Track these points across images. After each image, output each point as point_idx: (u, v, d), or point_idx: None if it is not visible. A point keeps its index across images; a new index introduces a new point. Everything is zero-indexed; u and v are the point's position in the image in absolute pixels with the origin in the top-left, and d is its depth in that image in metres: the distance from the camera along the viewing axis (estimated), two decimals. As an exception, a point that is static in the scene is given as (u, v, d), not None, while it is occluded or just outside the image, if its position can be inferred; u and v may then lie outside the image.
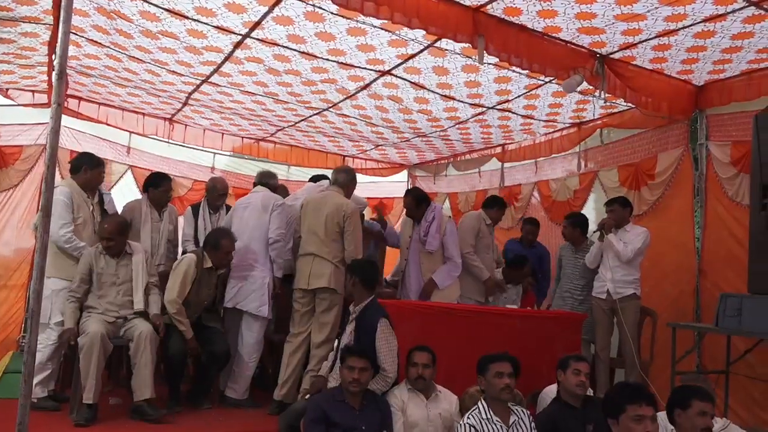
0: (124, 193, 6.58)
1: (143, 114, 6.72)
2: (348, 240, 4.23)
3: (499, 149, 7.21)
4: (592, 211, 6.17)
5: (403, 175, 9.08)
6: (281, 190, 5.60)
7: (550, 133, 6.36)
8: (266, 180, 5.03)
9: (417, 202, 4.81)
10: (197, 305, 4.31)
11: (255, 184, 5.03)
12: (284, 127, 6.87)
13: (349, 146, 7.82)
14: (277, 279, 4.65)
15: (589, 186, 6.22)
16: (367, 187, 8.68)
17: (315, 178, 5.53)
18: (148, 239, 4.63)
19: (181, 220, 5.29)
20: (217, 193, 5.18)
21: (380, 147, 7.74)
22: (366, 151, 8.07)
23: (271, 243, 4.63)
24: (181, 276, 4.19)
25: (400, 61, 4.50)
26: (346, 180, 4.53)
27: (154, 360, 3.87)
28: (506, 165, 7.29)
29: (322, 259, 4.26)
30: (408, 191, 5.01)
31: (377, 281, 4.00)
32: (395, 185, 8.92)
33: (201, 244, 4.65)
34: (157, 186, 4.81)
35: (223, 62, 4.75)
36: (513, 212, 7.15)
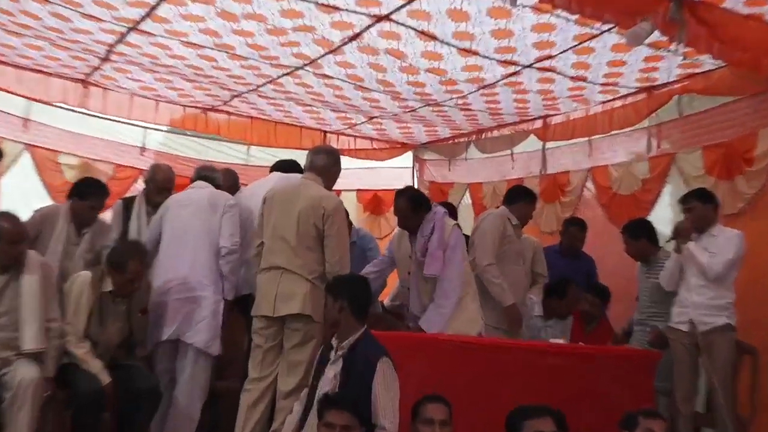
0: (20, 183, 6.57)
1: (47, 73, 6.73)
2: (330, 248, 4.27)
3: (538, 123, 7.19)
4: (668, 208, 6.19)
5: (406, 158, 9.08)
6: (230, 176, 5.61)
7: (609, 101, 6.37)
8: (208, 174, 5.12)
9: (413, 206, 4.82)
10: (105, 346, 4.32)
11: (193, 179, 5.14)
12: (242, 93, 6.87)
13: (331, 119, 7.84)
14: (229, 303, 4.72)
15: (663, 174, 6.26)
16: (356, 175, 8.72)
17: (283, 166, 5.51)
18: (57, 264, 4.63)
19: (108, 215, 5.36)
20: (158, 185, 5.24)
21: (375, 120, 7.75)
22: (355, 125, 8.07)
23: (224, 254, 4.69)
24: (73, 304, 4.22)
25: (402, 2, 4.51)
26: (326, 164, 4.55)
27: (34, 420, 3.75)
28: (549, 145, 7.30)
29: (293, 274, 4.29)
30: (400, 192, 4.98)
31: (370, 305, 4.02)
32: (396, 173, 8.94)
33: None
34: (82, 196, 4.84)
35: (158, 2, 4.76)
36: (558, 210, 7.18)
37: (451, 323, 4.68)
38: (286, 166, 5.46)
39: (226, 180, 5.44)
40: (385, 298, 5.80)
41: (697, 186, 5.40)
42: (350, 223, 5.38)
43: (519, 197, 5.44)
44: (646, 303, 5.24)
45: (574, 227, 6.20)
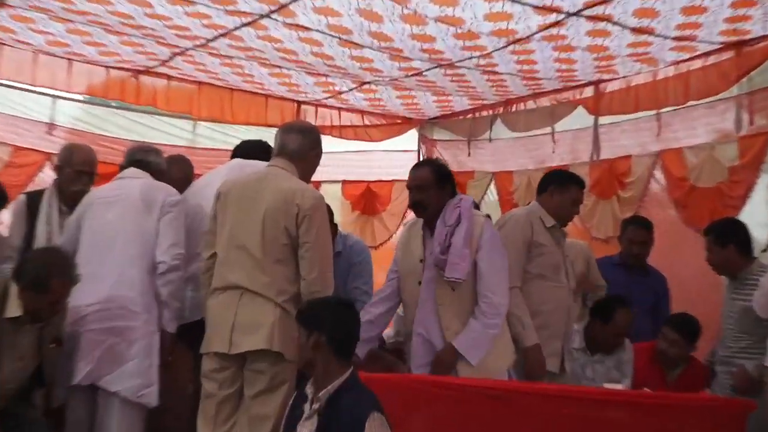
0: None
1: None
2: (307, 260, 4.31)
3: (588, 91, 7.25)
4: (765, 206, 6.23)
5: (409, 138, 9.21)
6: (180, 165, 5.57)
7: (682, 61, 6.42)
8: (145, 158, 5.12)
9: (439, 178, 4.83)
10: None
11: (123, 166, 5.13)
12: (187, 49, 6.88)
13: (308, 85, 7.86)
14: (167, 335, 4.73)
15: (758, 159, 6.26)
16: (341, 161, 8.81)
17: (247, 150, 5.47)
18: None
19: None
20: (75, 170, 5.25)
21: (367, 86, 7.77)
22: (341, 93, 8.11)
23: (163, 271, 4.72)
24: None
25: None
26: (301, 147, 4.58)
27: None
28: (603, 120, 7.36)
29: (257, 296, 4.31)
30: (422, 163, 5.04)
31: (357, 339, 4.00)
32: (395, 158, 9.02)
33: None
34: None
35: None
36: (615, 209, 7.22)
37: (465, 366, 4.66)
38: (250, 150, 5.42)
39: (177, 171, 5.41)
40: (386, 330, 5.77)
41: None
42: (335, 227, 5.38)
43: (552, 183, 5.32)
44: (733, 334, 5.24)
45: (636, 229, 6.22)
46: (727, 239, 5.26)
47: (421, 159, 9.10)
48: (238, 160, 5.38)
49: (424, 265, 4.82)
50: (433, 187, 4.80)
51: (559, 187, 5.28)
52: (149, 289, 4.69)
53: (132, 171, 5.03)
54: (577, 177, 5.49)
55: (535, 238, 5.15)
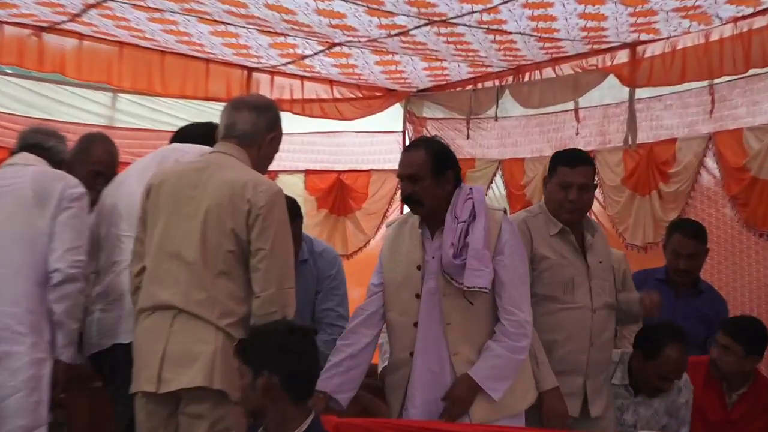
0: None
1: None
2: (262, 272, 4.30)
3: (622, 56, 7.26)
4: None
5: (392, 115, 9.23)
6: (104, 145, 5.58)
7: (744, 17, 6.44)
8: (41, 141, 5.11)
9: (438, 163, 4.73)
10: None
11: (15, 151, 5.13)
12: (103, 0, 6.86)
13: (262, 47, 7.89)
14: (61, 366, 4.70)
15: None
16: (306, 144, 8.95)
17: (190, 135, 5.44)
18: None
19: None
20: None
21: (338, 49, 7.79)
22: (304, 58, 8.14)
23: (56, 282, 4.71)
24: None
25: None
26: (254, 127, 4.57)
27: None
28: (641, 94, 7.35)
29: (194, 318, 4.29)
30: (416, 143, 4.95)
31: (317, 379, 4.04)
32: (374, 141, 9.14)
33: None
34: None
35: None
36: (657, 207, 7.28)
37: (482, 404, 4.64)
38: (197, 136, 5.35)
39: (101, 151, 5.46)
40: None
41: None
42: (297, 229, 5.34)
43: (559, 162, 5.27)
44: None
45: (683, 239, 6.08)
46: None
47: (409, 140, 9.15)
48: (169, 146, 5.39)
49: (424, 273, 4.76)
50: (431, 175, 4.67)
51: (549, 173, 5.30)
52: (39, 306, 4.65)
53: (23, 156, 4.99)
54: (564, 154, 5.43)
55: (536, 249, 5.17)
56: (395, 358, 4.79)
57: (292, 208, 5.15)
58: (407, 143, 9.19)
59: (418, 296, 4.70)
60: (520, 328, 4.64)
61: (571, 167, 5.16)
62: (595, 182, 5.27)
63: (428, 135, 8.82)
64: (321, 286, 5.65)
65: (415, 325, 4.70)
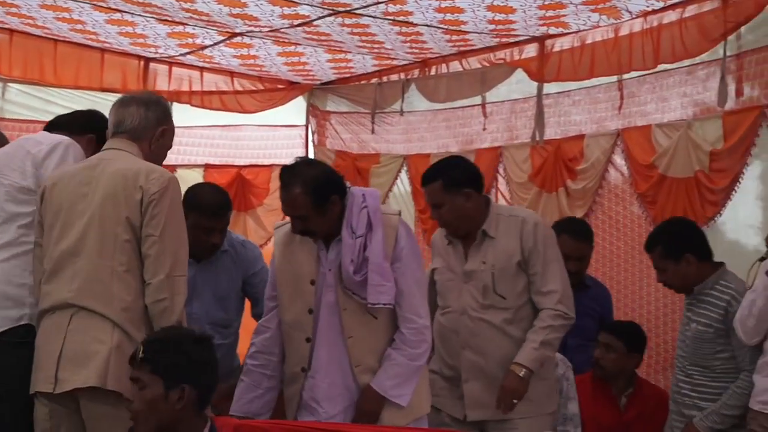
0: None
1: None
2: (152, 258, 4.33)
3: (531, 50, 7.32)
4: (756, 202, 6.32)
5: (295, 109, 9.24)
6: None
7: (653, 12, 6.47)
8: None
9: (318, 198, 4.69)
10: None
11: None
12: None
13: (159, 36, 7.79)
14: None
15: (747, 142, 6.32)
16: (205, 138, 8.81)
17: (62, 124, 5.25)
18: None
19: None
20: None
21: (239, 40, 7.76)
22: (204, 48, 8.09)
23: None
24: None
25: None
26: (145, 122, 4.59)
27: None
28: (549, 89, 7.44)
29: (92, 315, 4.28)
30: (289, 173, 4.76)
31: (216, 386, 3.99)
32: (276, 135, 9.10)
33: None
34: None
35: None
36: (564, 204, 7.30)
37: (391, 410, 4.75)
38: (57, 122, 5.25)
39: None
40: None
41: None
42: (227, 221, 5.52)
43: (438, 175, 5.29)
44: (685, 366, 5.42)
45: (568, 240, 6.11)
46: (682, 248, 5.36)
47: (312, 134, 9.26)
48: (23, 137, 5.36)
49: (319, 288, 4.82)
50: (315, 211, 4.70)
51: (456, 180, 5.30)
52: None
53: None
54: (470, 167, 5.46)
55: (434, 262, 5.39)
56: (289, 371, 4.90)
57: (227, 199, 5.64)
58: (310, 137, 9.34)
59: (311, 311, 4.80)
60: (419, 335, 4.77)
61: (423, 187, 5.38)
62: (461, 192, 5.18)
63: (333, 129, 9.01)
64: (249, 282, 5.79)
65: (308, 340, 4.81)
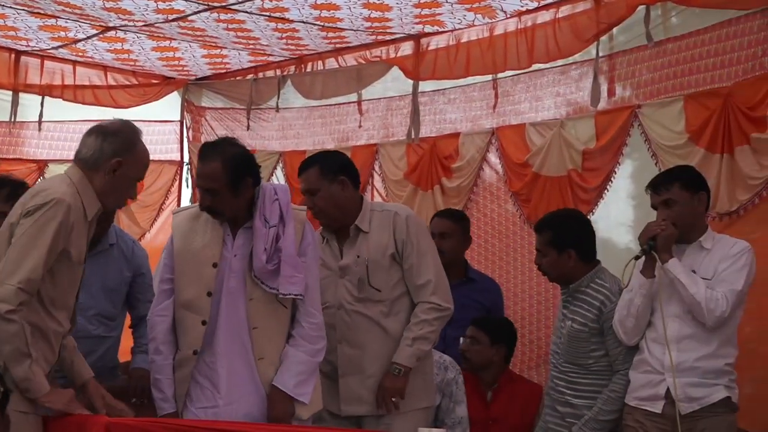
0: None
1: None
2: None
3: (406, 48, 7.33)
4: (628, 200, 6.39)
5: (170, 104, 9.17)
6: None
7: (528, 11, 6.52)
8: None
9: (235, 175, 4.77)
10: None
11: None
12: None
13: (31, 29, 7.63)
14: None
15: (619, 141, 6.42)
16: (78, 133, 8.23)
17: None
18: None
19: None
20: None
21: (113, 34, 7.65)
22: (77, 42, 7.96)
23: None
24: None
25: None
26: (99, 153, 4.54)
27: None
28: (425, 87, 7.45)
29: None
30: (210, 151, 4.86)
31: None
32: (150, 130, 8.92)
33: None
34: None
35: None
36: (439, 202, 7.30)
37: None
38: None
39: None
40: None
41: (676, 162, 5.54)
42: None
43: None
44: (560, 363, 5.48)
45: (439, 221, 6.28)
46: (568, 243, 5.38)
47: (187, 130, 9.23)
48: None
49: (222, 272, 4.84)
50: (228, 188, 4.77)
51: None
52: None
53: None
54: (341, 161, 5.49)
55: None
56: (181, 355, 4.88)
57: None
58: (185, 133, 9.24)
59: (209, 294, 4.82)
60: (319, 331, 4.91)
61: (300, 175, 5.39)
62: (337, 179, 5.22)
63: (208, 124, 8.95)
64: (135, 282, 5.88)
65: (203, 323, 4.82)
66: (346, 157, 5.53)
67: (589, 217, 6.40)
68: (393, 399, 5.07)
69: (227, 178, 4.75)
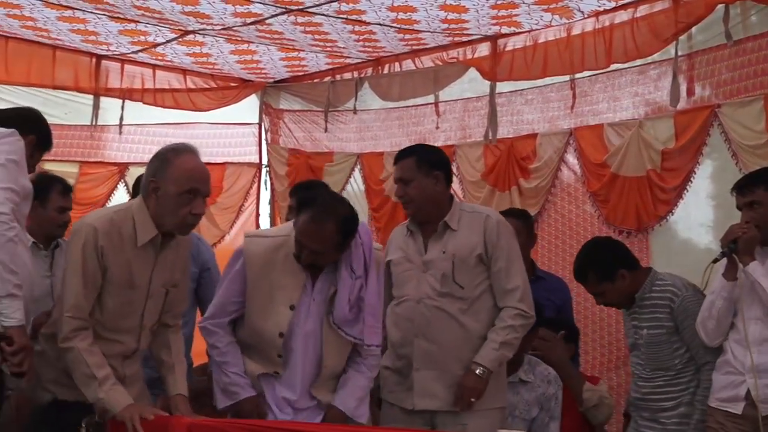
0: None
1: None
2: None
3: (483, 49, 7.31)
4: (708, 201, 6.33)
5: (248, 107, 9.18)
6: None
7: (605, 11, 6.49)
8: None
9: (345, 238, 4.75)
10: None
11: None
12: None
13: (111, 33, 7.69)
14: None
15: (698, 141, 6.36)
16: (158, 136, 8.62)
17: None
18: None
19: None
20: None
21: (192, 38, 7.69)
22: (156, 46, 8.02)
23: None
24: None
25: None
26: (144, 179, 4.59)
27: None
28: (502, 88, 7.43)
29: None
30: (327, 207, 4.75)
31: None
32: (229, 133, 9.06)
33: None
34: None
35: None
36: (517, 203, 7.27)
37: None
38: (13, 119, 5.03)
39: None
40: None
41: (756, 162, 5.49)
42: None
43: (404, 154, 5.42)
44: (643, 371, 5.44)
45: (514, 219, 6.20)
46: (614, 268, 5.36)
47: (266, 132, 9.22)
48: None
49: (300, 314, 4.82)
50: (336, 248, 4.74)
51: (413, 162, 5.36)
52: None
53: None
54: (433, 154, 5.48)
55: (389, 258, 5.36)
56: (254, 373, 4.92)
57: None
58: (264, 136, 9.28)
59: (281, 335, 4.81)
60: (378, 360, 5.02)
61: (395, 164, 5.39)
62: (432, 173, 5.20)
63: (287, 127, 9.00)
64: (202, 277, 6.16)
65: (279, 356, 4.85)
66: (444, 154, 5.49)
67: (667, 218, 6.46)
68: (472, 399, 5.04)
69: (339, 241, 4.72)
